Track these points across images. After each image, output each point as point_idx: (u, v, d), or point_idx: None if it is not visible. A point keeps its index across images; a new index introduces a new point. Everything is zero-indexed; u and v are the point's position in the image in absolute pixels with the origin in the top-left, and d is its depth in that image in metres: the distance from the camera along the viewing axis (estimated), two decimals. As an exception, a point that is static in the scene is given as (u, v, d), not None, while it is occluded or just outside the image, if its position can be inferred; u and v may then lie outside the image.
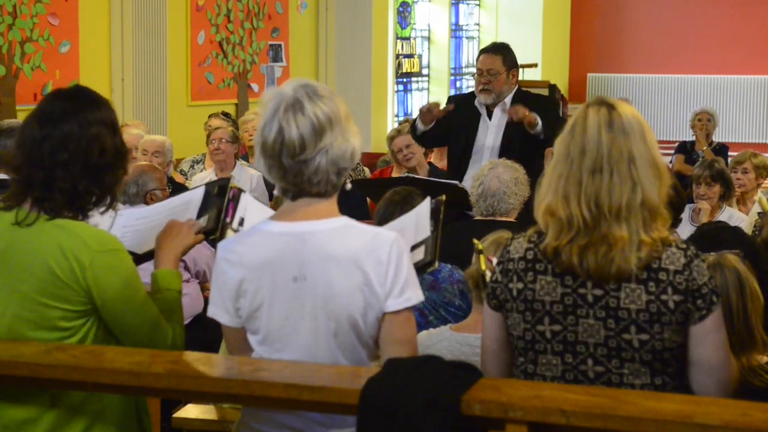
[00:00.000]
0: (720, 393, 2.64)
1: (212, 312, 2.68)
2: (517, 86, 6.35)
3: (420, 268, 2.88)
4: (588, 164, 2.61)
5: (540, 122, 5.97)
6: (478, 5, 15.14)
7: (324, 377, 2.49)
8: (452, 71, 14.63)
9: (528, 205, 4.64)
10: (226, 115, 9.22)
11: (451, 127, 6.28)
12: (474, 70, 6.39)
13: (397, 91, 13.63)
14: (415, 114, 6.69)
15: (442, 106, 6.31)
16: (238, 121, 9.01)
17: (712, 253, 3.11)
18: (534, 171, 4.88)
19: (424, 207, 3.04)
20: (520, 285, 2.67)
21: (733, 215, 6.33)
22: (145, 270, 2.90)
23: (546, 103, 6.67)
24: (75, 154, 2.73)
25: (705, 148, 9.55)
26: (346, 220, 2.59)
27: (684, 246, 2.60)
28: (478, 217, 4.92)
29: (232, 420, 3.88)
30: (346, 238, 2.55)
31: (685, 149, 9.92)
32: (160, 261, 2.93)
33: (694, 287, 2.56)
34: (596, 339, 2.60)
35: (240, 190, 3.18)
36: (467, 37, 15.02)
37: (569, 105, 13.73)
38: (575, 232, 2.59)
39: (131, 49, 9.37)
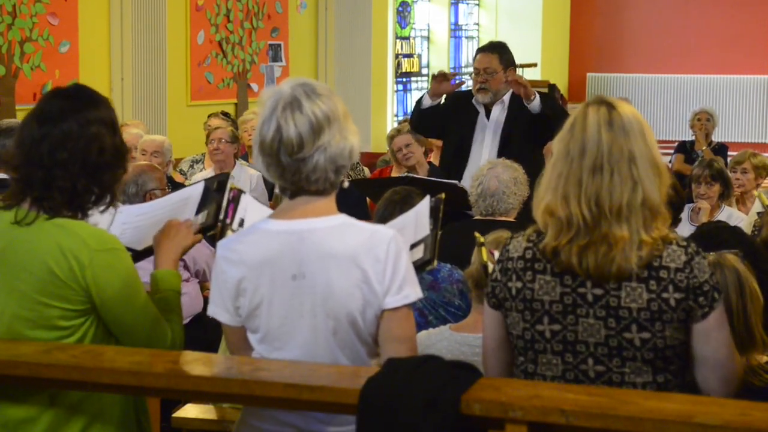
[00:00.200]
0: (726, 389, 2.65)
1: (212, 311, 2.69)
2: None
3: (419, 266, 2.88)
4: (588, 163, 2.60)
5: (538, 97, 5.98)
6: (478, 5, 15.14)
7: (324, 377, 2.49)
8: (452, 71, 14.62)
9: (527, 205, 4.64)
10: (225, 114, 9.21)
11: (448, 119, 6.28)
12: (472, 69, 6.40)
13: (397, 91, 13.63)
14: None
15: (441, 109, 6.32)
16: (238, 120, 9.01)
17: (711, 253, 3.10)
18: (533, 170, 4.88)
19: (424, 205, 3.04)
20: (519, 284, 2.67)
21: (732, 215, 6.32)
22: (145, 270, 2.90)
23: (545, 99, 6.67)
24: (74, 153, 2.73)
25: (704, 147, 9.55)
26: (344, 218, 2.59)
27: (684, 244, 2.60)
28: (477, 217, 4.92)
29: (231, 420, 3.88)
30: (345, 236, 2.55)
31: (685, 149, 9.92)
32: (159, 261, 2.93)
33: (695, 285, 2.56)
34: (596, 338, 2.60)
35: (240, 191, 3.19)
36: (467, 37, 15.02)
37: (569, 105, 13.72)
38: (575, 232, 2.59)
39: (131, 49, 9.37)
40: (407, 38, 13.93)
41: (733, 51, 14.70)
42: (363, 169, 8.54)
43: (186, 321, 3.77)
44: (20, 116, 7.41)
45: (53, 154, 2.73)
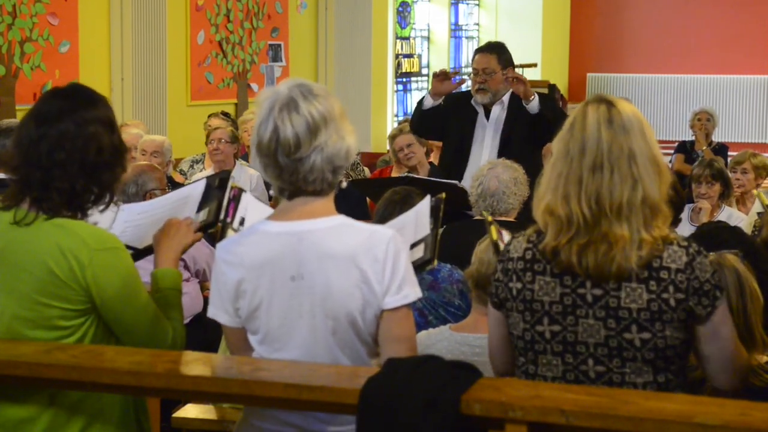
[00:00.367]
0: (735, 381, 2.69)
1: (212, 313, 2.69)
2: None
3: (419, 265, 2.88)
4: (588, 162, 2.59)
5: (537, 97, 5.97)
6: (478, 5, 15.14)
7: (324, 377, 2.49)
8: (451, 71, 14.61)
9: (527, 205, 4.64)
10: (225, 114, 9.22)
11: (448, 120, 6.28)
12: (471, 70, 6.39)
13: (397, 91, 13.63)
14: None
15: (439, 110, 6.31)
16: (238, 120, 9.02)
17: (711, 253, 3.10)
18: (533, 170, 4.88)
19: (424, 205, 3.04)
20: (519, 285, 2.66)
21: (732, 215, 6.32)
22: (145, 270, 2.90)
23: (544, 101, 6.66)
24: (72, 153, 2.72)
25: (704, 147, 9.55)
26: (342, 219, 2.59)
27: (686, 244, 2.59)
28: (477, 217, 4.92)
29: (231, 420, 3.88)
30: (343, 237, 2.55)
31: (685, 149, 9.92)
32: (159, 260, 2.92)
33: (696, 285, 2.56)
34: (596, 339, 2.60)
35: (241, 190, 3.18)
36: (467, 37, 15.02)
37: (569, 105, 13.73)
38: (575, 231, 2.58)
39: (131, 49, 9.37)
40: (407, 38, 13.93)
41: (733, 51, 14.69)
42: (363, 169, 8.54)
43: (186, 321, 3.76)
44: (20, 116, 7.41)
45: (51, 155, 2.72)
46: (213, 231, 3.08)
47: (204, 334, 4.56)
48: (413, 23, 13.99)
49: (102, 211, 2.83)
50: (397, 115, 13.42)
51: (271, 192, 6.85)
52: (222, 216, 3.08)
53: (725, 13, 14.73)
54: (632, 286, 2.56)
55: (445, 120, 6.28)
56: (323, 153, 2.54)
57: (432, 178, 6.32)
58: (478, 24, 15.16)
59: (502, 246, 2.85)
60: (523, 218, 4.52)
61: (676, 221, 4.74)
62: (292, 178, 2.56)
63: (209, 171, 7.47)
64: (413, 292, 2.57)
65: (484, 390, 2.36)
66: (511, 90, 6.24)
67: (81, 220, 2.78)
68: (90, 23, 9.06)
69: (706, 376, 2.70)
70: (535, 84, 12.08)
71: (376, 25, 12.44)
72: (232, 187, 3.15)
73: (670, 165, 9.63)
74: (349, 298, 2.54)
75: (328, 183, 2.58)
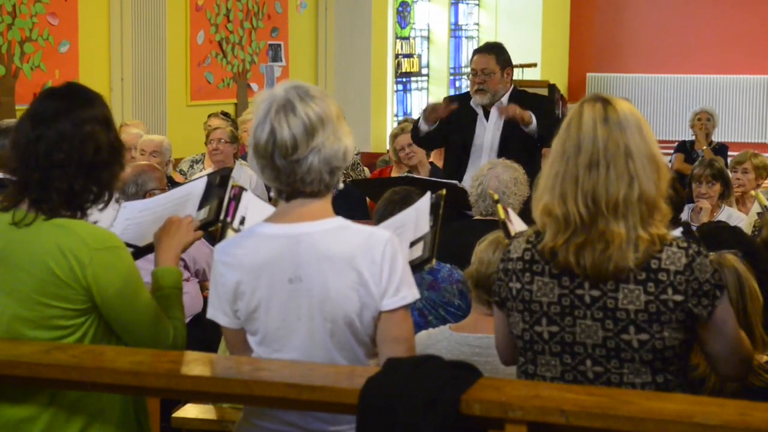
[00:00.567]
0: (741, 371, 2.72)
1: (211, 314, 2.69)
2: (512, 85, 6.33)
3: (417, 265, 2.88)
4: (584, 160, 2.59)
5: (534, 120, 5.96)
6: (478, 5, 15.14)
7: (324, 377, 2.49)
8: (451, 71, 14.63)
9: (528, 205, 4.64)
10: (225, 114, 9.22)
11: (449, 128, 6.26)
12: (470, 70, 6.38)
13: (397, 91, 13.63)
14: (415, 114, 6.68)
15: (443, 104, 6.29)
16: (237, 120, 9.02)
17: (711, 253, 3.10)
18: (533, 170, 4.87)
19: (425, 202, 3.04)
20: (518, 285, 2.67)
21: (732, 215, 6.32)
22: (146, 270, 2.89)
23: (543, 102, 6.65)
24: (70, 153, 2.72)
25: (705, 147, 9.56)
26: (340, 221, 2.59)
27: (685, 245, 2.58)
28: (477, 217, 4.92)
29: (231, 420, 3.88)
30: (341, 239, 2.55)
31: (685, 149, 9.92)
32: (160, 259, 2.92)
33: (695, 287, 2.55)
34: (594, 340, 2.60)
35: (242, 189, 3.18)
36: (467, 37, 15.02)
37: (569, 105, 13.71)
38: (572, 231, 2.58)
39: (131, 49, 9.37)
40: (407, 38, 13.93)
41: (733, 51, 14.69)
42: (363, 169, 8.54)
43: (186, 321, 3.77)
44: (20, 116, 7.42)
45: (49, 155, 2.71)
46: (213, 230, 3.08)
47: (204, 334, 4.56)
48: (413, 23, 13.99)
49: (102, 210, 2.83)
50: (396, 115, 13.42)
51: (272, 193, 6.86)
52: (222, 215, 3.07)
53: (725, 13, 14.73)
54: (630, 287, 2.56)
55: (446, 132, 6.25)
56: (320, 154, 2.54)
57: (432, 178, 6.32)
58: (478, 24, 15.15)
59: (510, 226, 2.84)
60: (524, 218, 4.52)
61: (676, 220, 4.74)
62: (289, 180, 2.56)
63: (209, 171, 7.46)
64: (411, 293, 2.57)
65: (483, 390, 2.36)
66: (509, 90, 6.24)
67: (81, 220, 2.77)
68: (90, 23, 9.06)
69: (711, 369, 2.72)
70: (534, 84, 12.13)
71: (376, 25, 12.44)
72: (233, 186, 3.14)
73: (670, 165, 9.63)
74: (347, 300, 2.54)
75: (326, 184, 2.58)
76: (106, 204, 2.82)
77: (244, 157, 8.07)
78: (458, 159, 6.28)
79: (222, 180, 3.09)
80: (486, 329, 3.46)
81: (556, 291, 2.62)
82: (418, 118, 6.38)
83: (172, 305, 2.86)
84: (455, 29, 14.76)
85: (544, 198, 2.64)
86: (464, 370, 2.42)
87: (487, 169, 4.94)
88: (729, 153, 9.54)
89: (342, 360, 2.59)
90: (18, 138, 2.76)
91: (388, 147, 8.32)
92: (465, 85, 14.65)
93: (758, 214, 5.27)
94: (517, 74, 10.00)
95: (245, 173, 7.38)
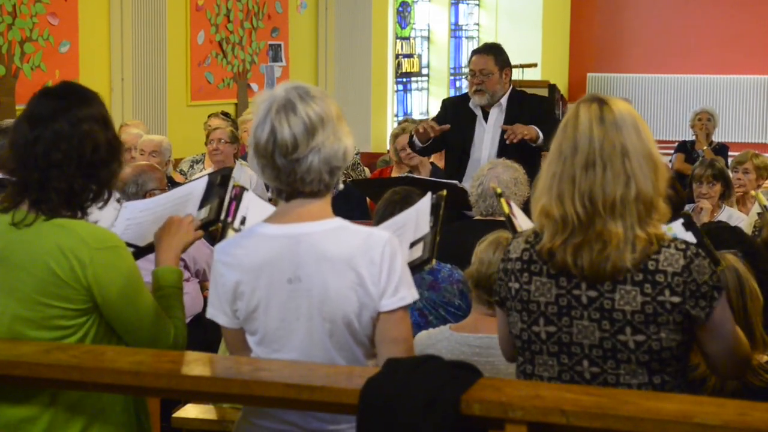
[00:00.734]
0: (740, 371, 2.73)
1: (210, 314, 2.70)
2: (511, 86, 6.32)
3: (417, 265, 2.88)
4: (580, 160, 2.58)
5: (541, 135, 5.93)
6: (478, 5, 15.15)
7: (323, 377, 2.49)
8: (452, 71, 14.63)
9: (528, 205, 4.64)
10: (225, 115, 9.22)
11: (447, 132, 6.25)
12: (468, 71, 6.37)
13: (397, 91, 13.64)
14: (415, 114, 6.68)
15: (437, 120, 6.28)
16: (238, 120, 9.02)
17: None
18: (533, 170, 4.87)
19: (425, 203, 3.04)
20: (517, 285, 2.67)
21: (732, 215, 6.32)
22: (146, 270, 2.90)
23: (542, 103, 6.65)
24: (68, 153, 2.72)
25: (705, 147, 9.56)
26: (339, 221, 2.60)
27: (684, 246, 2.58)
28: (477, 217, 4.92)
29: (231, 420, 3.88)
30: (340, 239, 2.56)
31: (685, 149, 9.93)
32: (160, 258, 2.92)
33: (693, 288, 2.55)
34: (591, 340, 2.60)
35: (242, 188, 3.18)
36: (467, 37, 15.02)
37: (569, 105, 13.70)
38: (570, 231, 2.58)
39: (131, 49, 9.38)
40: (407, 38, 13.93)
41: (733, 51, 14.70)
42: (363, 169, 8.54)
43: (186, 321, 3.77)
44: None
45: (47, 156, 2.71)
46: (213, 230, 3.08)
47: (204, 334, 4.56)
48: (413, 23, 13.99)
49: (101, 208, 2.83)
50: (397, 115, 13.42)
51: (271, 194, 6.86)
52: (223, 215, 3.08)
53: (725, 13, 14.73)
54: (626, 288, 2.56)
55: (445, 136, 6.22)
56: (320, 154, 2.54)
57: (432, 179, 6.31)
58: (478, 24, 15.16)
59: (515, 221, 2.84)
60: (524, 218, 4.52)
61: (676, 217, 4.74)
62: (289, 179, 2.57)
63: (209, 171, 7.47)
64: (410, 294, 2.57)
65: (483, 390, 2.36)
66: (508, 91, 6.23)
67: (81, 220, 2.77)
68: (90, 23, 9.06)
69: (709, 369, 2.72)
70: (534, 84, 12.12)
71: (376, 25, 12.44)
72: (234, 186, 3.14)
73: (670, 165, 9.64)
74: (346, 300, 2.54)
75: (326, 184, 2.59)
76: (106, 202, 2.82)
77: (245, 157, 8.08)
78: (458, 159, 6.27)
79: (223, 179, 3.09)
80: (486, 329, 3.47)
81: (554, 291, 2.62)
82: (412, 134, 6.32)
83: (172, 305, 2.86)
84: (455, 29, 14.76)
85: (542, 199, 2.64)
86: (464, 371, 2.42)
87: (487, 169, 4.94)
88: (729, 153, 9.54)
89: (341, 360, 2.59)
90: (16, 139, 2.76)
91: (388, 147, 8.32)
92: (465, 85, 14.64)
93: (758, 214, 5.27)
94: (518, 74, 10.00)
95: (245, 173, 7.39)
